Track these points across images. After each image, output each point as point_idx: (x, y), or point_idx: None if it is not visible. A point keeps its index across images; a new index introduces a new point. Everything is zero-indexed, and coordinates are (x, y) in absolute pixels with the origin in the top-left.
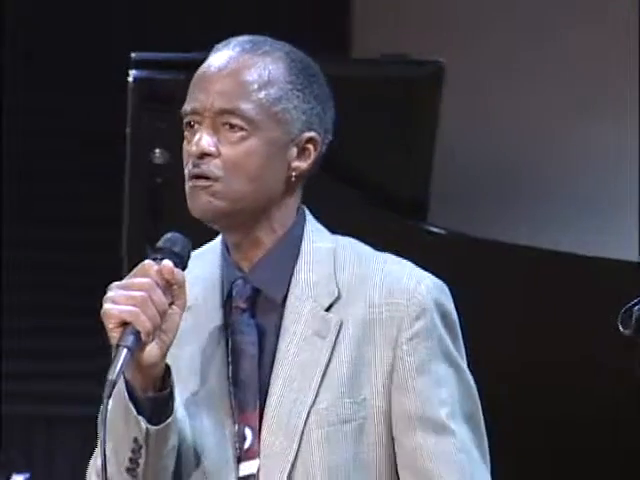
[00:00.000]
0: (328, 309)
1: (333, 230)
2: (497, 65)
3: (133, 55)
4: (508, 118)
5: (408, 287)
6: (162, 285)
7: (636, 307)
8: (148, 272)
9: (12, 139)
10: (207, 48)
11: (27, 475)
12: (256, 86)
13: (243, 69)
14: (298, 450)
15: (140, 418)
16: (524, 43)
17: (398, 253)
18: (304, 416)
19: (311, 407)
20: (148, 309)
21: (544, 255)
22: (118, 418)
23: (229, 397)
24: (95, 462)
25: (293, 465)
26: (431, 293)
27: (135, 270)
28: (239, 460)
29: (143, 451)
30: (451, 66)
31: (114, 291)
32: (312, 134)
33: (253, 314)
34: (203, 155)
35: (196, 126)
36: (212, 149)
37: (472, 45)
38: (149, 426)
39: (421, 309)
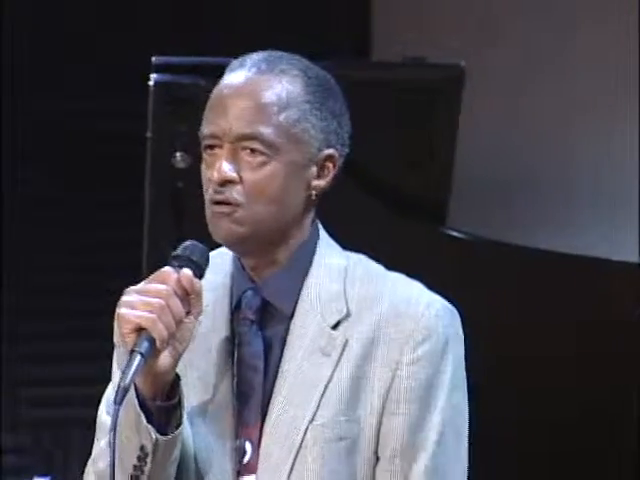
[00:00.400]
0: (335, 326)
1: (352, 235)
2: (517, 67)
3: (154, 59)
4: (528, 120)
5: (417, 310)
6: (180, 293)
7: None
8: (167, 279)
9: (25, 142)
10: (227, 52)
11: (48, 478)
12: (275, 109)
13: (261, 91)
14: (293, 464)
15: (150, 427)
16: (545, 45)
17: (418, 257)
18: (302, 432)
19: (309, 423)
20: (165, 316)
21: (564, 259)
22: (123, 425)
23: (232, 410)
24: (95, 465)
25: (288, 478)
26: (440, 318)
27: (153, 276)
28: (239, 474)
29: (149, 460)
30: (471, 68)
31: (131, 295)
32: (331, 151)
33: (260, 326)
34: (225, 182)
35: (216, 150)
36: (234, 175)
37: (492, 47)
38: (159, 436)
39: (427, 333)
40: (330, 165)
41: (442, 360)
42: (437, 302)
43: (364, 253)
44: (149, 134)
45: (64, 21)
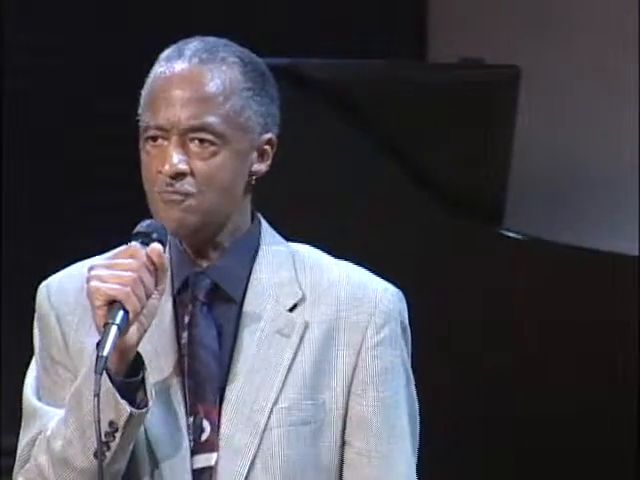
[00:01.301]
0: (291, 310)
1: (409, 234)
2: (574, 66)
3: None
4: (586, 120)
5: (375, 294)
6: (150, 268)
7: None
8: (135, 254)
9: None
10: (279, 53)
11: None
12: (221, 98)
13: (205, 81)
14: (259, 446)
15: (124, 402)
16: (600, 43)
17: (474, 257)
18: (267, 413)
19: (274, 405)
20: (137, 289)
21: (625, 260)
22: (86, 401)
23: (182, 389)
24: (49, 446)
25: (253, 461)
26: (396, 303)
27: (120, 251)
28: (193, 452)
29: (118, 435)
30: (527, 68)
31: (100, 270)
32: (270, 135)
33: (209, 308)
34: (176, 175)
35: (160, 141)
36: (185, 167)
37: (548, 47)
38: (133, 410)
39: (387, 317)
40: (269, 149)
41: (402, 342)
42: (391, 287)
43: (421, 252)
44: None
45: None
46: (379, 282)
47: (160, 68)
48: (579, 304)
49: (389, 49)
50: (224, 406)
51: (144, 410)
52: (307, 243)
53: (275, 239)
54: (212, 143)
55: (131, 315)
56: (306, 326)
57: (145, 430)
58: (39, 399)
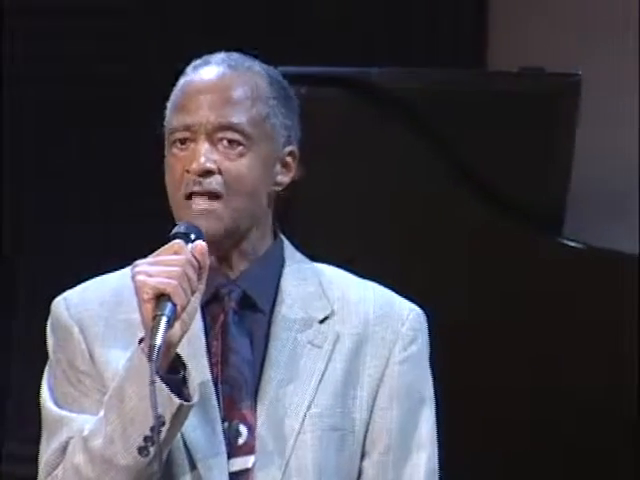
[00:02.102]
0: (321, 322)
1: (468, 244)
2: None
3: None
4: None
5: (402, 312)
6: (193, 265)
7: None
8: (180, 251)
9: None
10: (346, 62)
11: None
12: (249, 102)
13: (233, 85)
14: (293, 449)
15: (173, 395)
16: None
17: (534, 266)
18: (300, 418)
19: (307, 410)
20: (184, 284)
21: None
22: (129, 396)
23: (216, 395)
24: (85, 445)
25: (287, 463)
26: (422, 323)
27: (163, 249)
28: (230, 455)
29: (165, 429)
30: (587, 76)
31: (145, 265)
32: (292, 148)
33: (241, 318)
34: (205, 172)
35: (187, 143)
36: (213, 165)
37: (609, 55)
38: (183, 402)
39: (415, 335)
40: (291, 161)
41: (426, 361)
42: (416, 307)
43: (479, 262)
44: None
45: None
46: (404, 301)
47: (187, 77)
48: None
49: (450, 58)
50: (259, 411)
51: (192, 403)
52: (369, 242)
53: (298, 256)
54: (239, 143)
55: (179, 308)
56: (337, 338)
57: (182, 434)
58: (60, 408)
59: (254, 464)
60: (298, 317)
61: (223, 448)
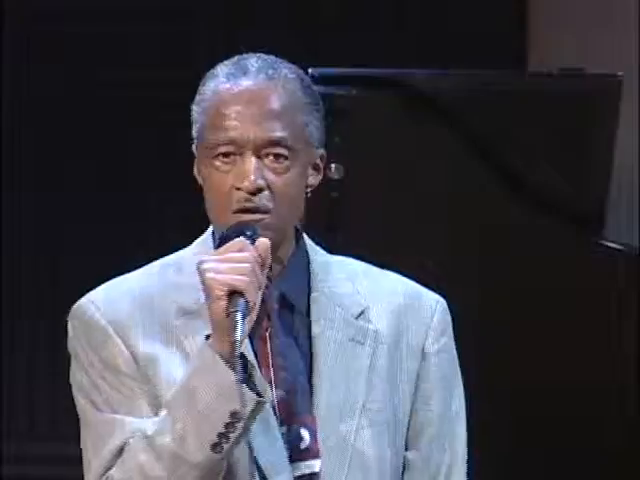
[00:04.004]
0: (358, 318)
1: (509, 245)
2: None
3: (310, 70)
4: None
5: (430, 303)
6: (258, 262)
7: None
8: (245, 248)
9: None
10: (389, 64)
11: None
12: (290, 113)
13: (274, 97)
14: (355, 449)
15: (249, 391)
16: None
17: (573, 267)
18: (357, 417)
19: (362, 409)
20: (255, 281)
21: None
22: (202, 393)
23: (271, 400)
24: (152, 443)
25: (352, 463)
26: (449, 313)
27: (227, 246)
28: (293, 460)
29: (240, 425)
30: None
31: (214, 263)
32: (322, 150)
33: (282, 321)
34: (256, 190)
35: (231, 157)
36: (263, 182)
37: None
38: (260, 398)
39: (445, 325)
40: (320, 162)
41: (455, 350)
42: (440, 297)
43: (521, 262)
44: None
45: None
46: (429, 292)
47: (223, 85)
48: None
49: (490, 60)
50: (317, 412)
51: (267, 400)
52: (405, 242)
53: (320, 251)
54: (285, 158)
55: (251, 304)
56: (376, 333)
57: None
58: (101, 412)
59: (321, 468)
60: (335, 315)
61: (285, 453)
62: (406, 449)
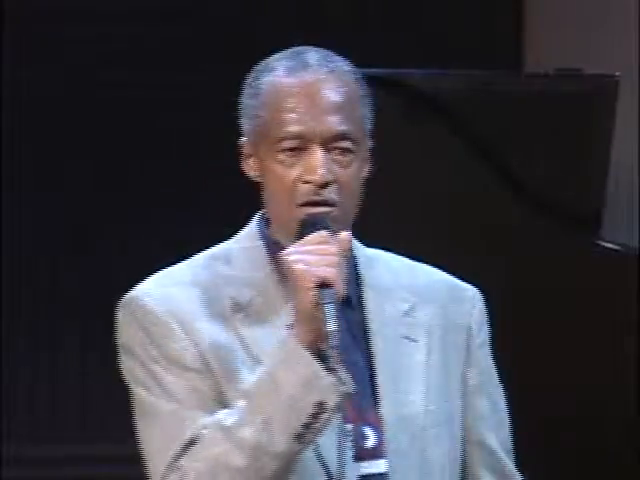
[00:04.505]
0: (407, 313)
1: (507, 245)
2: None
3: None
4: None
5: (468, 294)
6: (341, 254)
7: None
8: (328, 241)
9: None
10: (387, 63)
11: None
12: (352, 106)
13: (338, 90)
14: (421, 448)
15: (336, 382)
16: None
17: (571, 268)
18: (421, 416)
19: (424, 407)
20: (342, 273)
21: None
22: (285, 385)
23: None
24: (232, 436)
25: (420, 463)
26: (483, 302)
27: (309, 239)
28: (358, 458)
29: (325, 416)
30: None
31: (302, 254)
32: (371, 142)
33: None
34: (326, 183)
35: (296, 151)
36: (332, 176)
37: None
38: (345, 388)
39: (483, 317)
40: (369, 156)
41: (490, 340)
42: (475, 288)
43: (520, 262)
44: None
45: None
46: (464, 283)
47: (285, 79)
48: None
49: (486, 60)
50: (381, 410)
51: (352, 391)
52: (406, 242)
53: (359, 245)
54: (350, 151)
55: (338, 296)
56: (428, 329)
57: None
58: (165, 403)
59: (389, 468)
60: (387, 311)
61: (349, 453)
62: (463, 444)
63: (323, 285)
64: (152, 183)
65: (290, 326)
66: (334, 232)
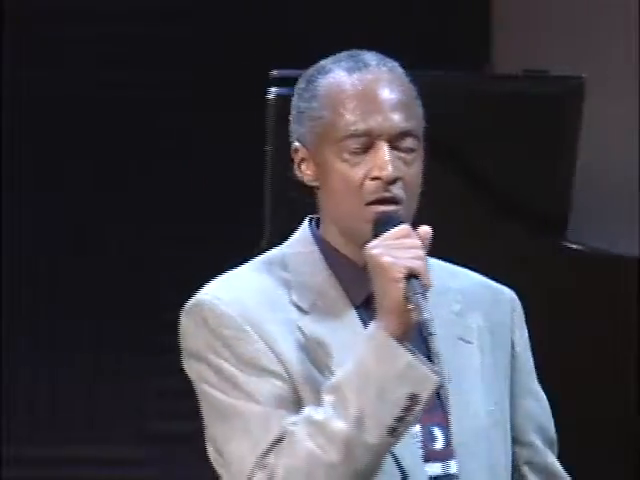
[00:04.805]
0: (459, 315)
1: (472, 246)
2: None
3: (274, 72)
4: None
5: (507, 297)
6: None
7: None
8: (412, 234)
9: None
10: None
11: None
12: (413, 104)
13: (399, 88)
14: (486, 449)
15: (430, 372)
16: None
17: (538, 270)
18: (483, 417)
19: (485, 408)
20: (427, 265)
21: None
22: (378, 378)
23: None
24: (317, 423)
25: (487, 464)
26: (520, 303)
27: (392, 233)
28: (427, 459)
29: (417, 408)
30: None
31: (388, 248)
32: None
33: None
34: (394, 180)
35: (361, 150)
36: (400, 173)
37: (610, 58)
38: (440, 378)
39: (522, 319)
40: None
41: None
42: (509, 289)
43: (484, 263)
44: (268, 147)
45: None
46: (500, 285)
47: (347, 78)
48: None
49: (454, 61)
50: (448, 411)
51: (445, 382)
52: None
53: None
54: (412, 150)
55: (426, 287)
56: (479, 331)
57: None
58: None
59: (459, 468)
60: (441, 312)
61: (419, 453)
62: (513, 444)
63: (410, 276)
64: (152, 183)
65: (375, 321)
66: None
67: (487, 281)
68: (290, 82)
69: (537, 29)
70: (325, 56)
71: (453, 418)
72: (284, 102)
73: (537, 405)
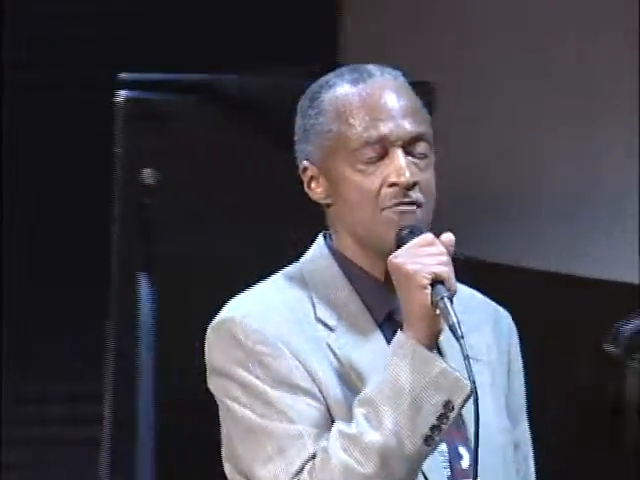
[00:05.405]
0: (468, 333)
1: None
2: (489, 80)
3: (122, 75)
4: (497, 137)
5: (504, 318)
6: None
7: (627, 327)
8: (435, 242)
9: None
10: (198, 69)
11: None
12: (422, 110)
13: (407, 95)
14: (504, 467)
15: (462, 378)
16: (516, 59)
17: None
18: (500, 436)
19: (497, 426)
20: (453, 271)
21: (554, 278)
22: (412, 387)
23: None
24: (351, 435)
25: None
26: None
27: (416, 241)
28: (454, 477)
29: (452, 415)
30: (442, 84)
31: (409, 257)
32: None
33: None
34: (412, 185)
35: (375, 159)
36: (416, 178)
37: (460, 63)
38: (472, 385)
39: (517, 338)
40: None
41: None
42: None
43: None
44: (117, 149)
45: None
46: (493, 303)
47: (354, 88)
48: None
49: (305, 64)
50: (466, 430)
51: (474, 390)
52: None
53: None
54: (425, 156)
55: (451, 292)
56: (485, 349)
57: None
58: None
59: None
60: (447, 332)
61: (445, 472)
62: None
63: (435, 282)
64: None
65: (403, 330)
66: None
67: (487, 300)
68: (138, 85)
69: (389, 35)
70: (169, 56)
71: (471, 436)
72: (133, 104)
73: (523, 435)
